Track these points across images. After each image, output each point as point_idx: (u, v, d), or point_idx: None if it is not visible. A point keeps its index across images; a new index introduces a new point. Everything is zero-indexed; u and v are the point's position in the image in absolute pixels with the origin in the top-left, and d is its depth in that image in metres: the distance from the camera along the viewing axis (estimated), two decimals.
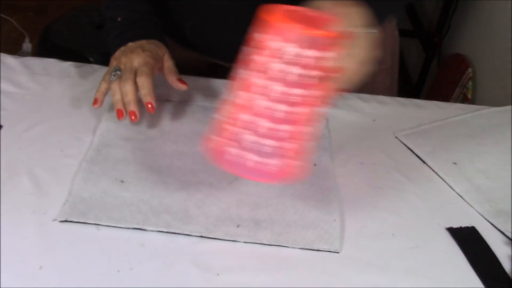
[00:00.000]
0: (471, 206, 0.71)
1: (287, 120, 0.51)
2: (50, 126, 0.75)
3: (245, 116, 0.52)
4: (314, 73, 0.50)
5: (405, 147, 0.81)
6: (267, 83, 0.50)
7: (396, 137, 0.83)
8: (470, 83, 1.77)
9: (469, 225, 0.67)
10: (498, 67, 1.63)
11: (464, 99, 1.78)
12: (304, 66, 0.49)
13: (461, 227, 0.67)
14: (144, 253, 0.58)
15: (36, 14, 2.70)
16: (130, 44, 0.76)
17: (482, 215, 0.69)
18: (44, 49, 1.85)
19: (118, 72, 0.72)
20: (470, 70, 1.78)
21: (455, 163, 0.78)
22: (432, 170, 0.77)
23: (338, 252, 0.61)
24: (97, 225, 0.60)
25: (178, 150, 0.73)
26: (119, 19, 0.79)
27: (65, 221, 0.60)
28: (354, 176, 0.74)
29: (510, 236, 0.66)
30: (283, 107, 0.51)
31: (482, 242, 0.65)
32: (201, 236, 0.61)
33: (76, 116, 0.78)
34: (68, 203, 0.62)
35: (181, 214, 0.63)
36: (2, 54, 0.89)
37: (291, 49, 0.48)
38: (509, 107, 0.93)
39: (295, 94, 0.50)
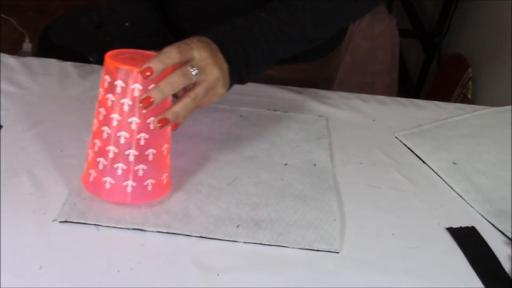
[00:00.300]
0: (471, 206, 0.71)
1: (130, 144, 0.58)
2: (50, 126, 0.75)
3: (98, 143, 0.60)
4: (142, 103, 0.56)
5: (405, 147, 0.81)
6: (107, 113, 0.58)
7: (396, 137, 0.83)
8: (470, 83, 1.77)
9: (469, 225, 0.67)
10: (498, 67, 1.63)
11: (464, 99, 1.78)
12: (133, 98, 0.57)
13: (461, 227, 0.67)
14: (144, 253, 0.58)
15: (36, 14, 2.70)
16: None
17: (482, 215, 0.69)
18: (44, 49, 1.85)
19: None
20: (470, 70, 1.78)
21: (455, 163, 0.78)
22: (432, 170, 0.77)
23: (338, 252, 0.61)
24: (97, 226, 0.60)
25: (177, 150, 0.73)
26: (126, 24, 0.79)
27: (65, 221, 0.60)
28: (354, 176, 0.74)
29: (510, 236, 0.66)
30: (124, 134, 0.58)
31: (482, 242, 0.65)
32: (201, 237, 0.61)
33: (76, 116, 0.77)
34: (68, 204, 0.62)
35: (181, 214, 0.63)
36: (2, 54, 0.89)
37: (119, 84, 0.57)
38: (509, 107, 0.93)
39: (132, 122, 0.57)
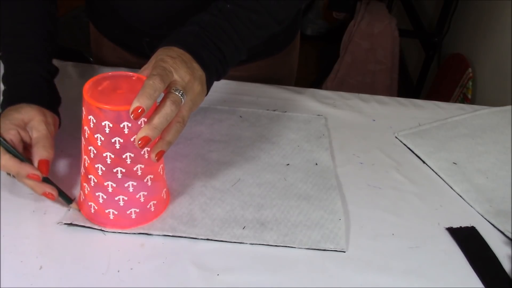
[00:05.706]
0: (471, 206, 0.71)
1: (128, 177, 0.57)
2: None
3: (93, 179, 0.57)
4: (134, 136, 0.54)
5: (405, 147, 0.81)
6: (98, 152, 0.55)
7: (396, 137, 0.83)
8: (470, 83, 1.77)
9: (469, 225, 0.67)
10: (498, 67, 1.63)
11: (464, 99, 1.78)
12: (123, 135, 0.54)
13: (461, 227, 0.67)
14: (144, 253, 0.58)
15: None
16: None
17: (482, 215, 0.69)
18: None
19: None
20: (470, 70, 1.78)
21: (455, 163, 0.78)
22: (432, 170, 0.77)
23: (344, 251, 0.61)
24: (102, 230, 0.60)
25: (178, 152, 0.73)
26: None
27: (71, 224, 0.60)
28: (354, 176, 0.74)
29: (510, 236, 0.66)
30: (120, 169, 0.56)
31: (482, 242, 0.65)
32: (208, 239, 0.60)
33: (76, 116, 0.77)
34: (72, 209, 0.62)
35: (186, 218, 0.63)
36: None
37: (106, 124, 0.53)
38: (509, 107, 0.93)
39: (127, 157, 0.56)
